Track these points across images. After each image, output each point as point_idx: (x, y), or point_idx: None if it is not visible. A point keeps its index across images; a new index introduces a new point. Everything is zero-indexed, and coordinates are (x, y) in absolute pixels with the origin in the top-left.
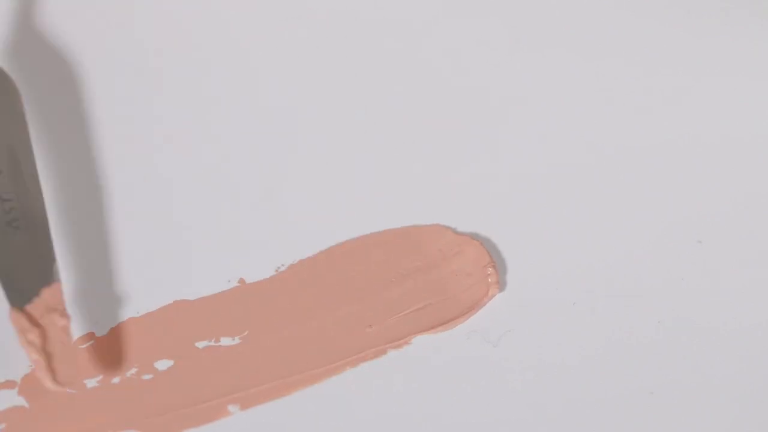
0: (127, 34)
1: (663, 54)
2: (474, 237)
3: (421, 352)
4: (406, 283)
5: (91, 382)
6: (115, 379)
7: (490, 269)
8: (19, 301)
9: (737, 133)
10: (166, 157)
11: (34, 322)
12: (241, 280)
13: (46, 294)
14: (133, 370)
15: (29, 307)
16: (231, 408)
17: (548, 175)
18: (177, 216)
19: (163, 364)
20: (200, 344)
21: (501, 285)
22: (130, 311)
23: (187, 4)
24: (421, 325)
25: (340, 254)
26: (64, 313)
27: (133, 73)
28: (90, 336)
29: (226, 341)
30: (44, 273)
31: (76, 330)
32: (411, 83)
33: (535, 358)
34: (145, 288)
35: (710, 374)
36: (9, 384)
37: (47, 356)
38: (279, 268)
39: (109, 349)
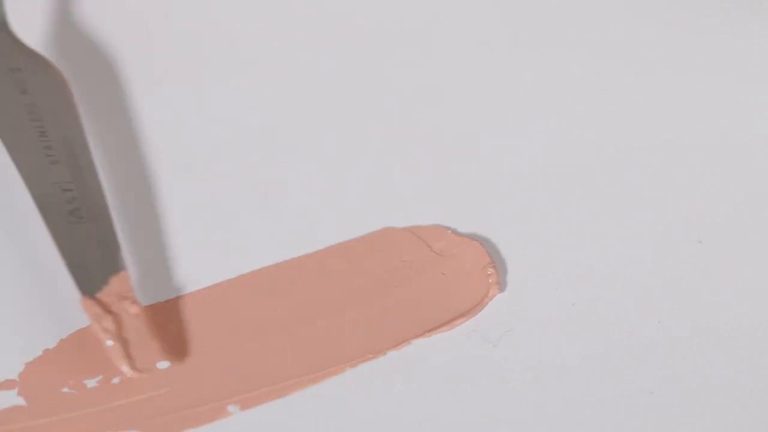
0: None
1: (663, 54)
2: (474, 237)
3: (421, 352)
4: (406, 284)
5: (91, 382)
6: (115, 379)
7: (491, 269)
8: (89, 289)
9: (737, 133)
10: (164, 155)
11: (107, 310)
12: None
13: (115, 282)
14: None
15: (100, 296)
16: (231, 408)
17: (548, 175)
18: (176, 214)
19: (163, 364)
20: (200, 344)
21: (501, 285)
22: None
23: (193, 4)
24: (421, 326)
25: (340, 254)
26: (135, 301)
27: (130, 70)
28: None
29: (226, 341)
30: (111, 261)
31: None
32: (410, 83)
33: (535, 358)
34: (144, 288)
35: (710, 374)
36: (9, 384)
37: (123, 343)
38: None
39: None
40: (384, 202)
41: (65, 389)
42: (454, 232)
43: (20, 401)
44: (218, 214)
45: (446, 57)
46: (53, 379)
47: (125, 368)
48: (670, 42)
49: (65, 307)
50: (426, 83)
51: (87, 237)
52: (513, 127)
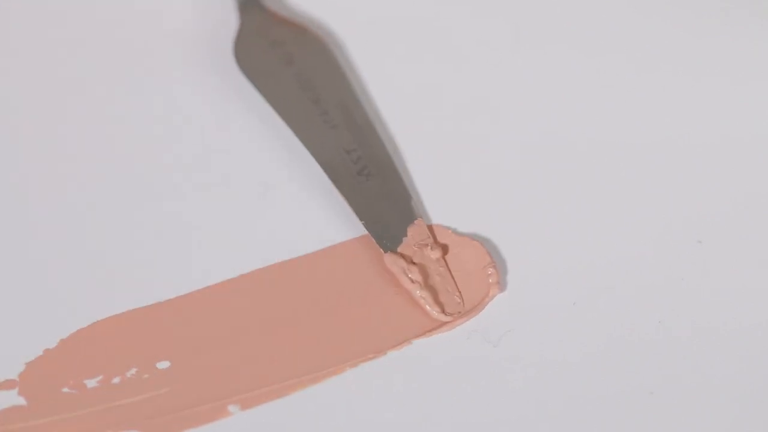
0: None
1: (663, 53)
2: (474, 237)
3: (421, 352)
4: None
5: (91, 382)
6: (116, 379)
7: (491, 269)
8: (390, 245)
9: (737, 133)
10: (166, 157)
11: (410, 261)
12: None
13: (413, 232)
14: (133, 370)
15: (401, 248)
16: (231, 408)
17: (549, 175)
18: (174, 213)
19: (163, 364)
20: (200, 344)
21: (501, 285)
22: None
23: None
24: (421, 326)
25: (340, 254)
26: (434, 246)
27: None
28: None
29: (227, 341)
30: (406, 212)
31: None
32: (410, 83)
33: (535, 358)
34: (143, 287)
35: (710, 374)
36: (9, 384)
37: (431, 291)
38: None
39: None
40: None
41: (65, 389)
42: (454, 232)
43: (20, 401)
44: (219, 211)
45: (447, 55)
46: (53, 379)
47: (437, 314)
48: (671, 41)
49: (65, 307)
50: (427, 81)
51: (379, 193)
52: (514, 126)
